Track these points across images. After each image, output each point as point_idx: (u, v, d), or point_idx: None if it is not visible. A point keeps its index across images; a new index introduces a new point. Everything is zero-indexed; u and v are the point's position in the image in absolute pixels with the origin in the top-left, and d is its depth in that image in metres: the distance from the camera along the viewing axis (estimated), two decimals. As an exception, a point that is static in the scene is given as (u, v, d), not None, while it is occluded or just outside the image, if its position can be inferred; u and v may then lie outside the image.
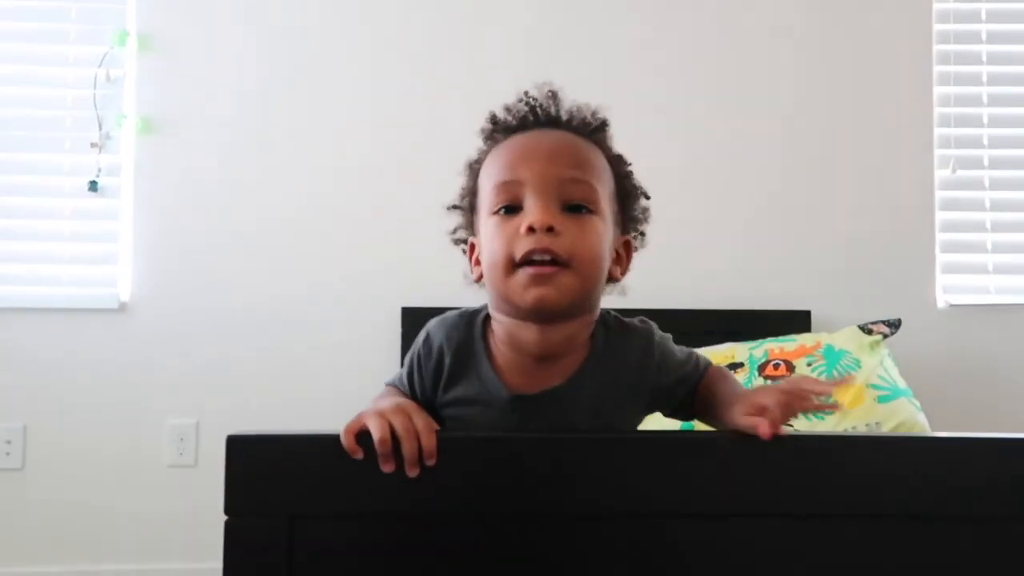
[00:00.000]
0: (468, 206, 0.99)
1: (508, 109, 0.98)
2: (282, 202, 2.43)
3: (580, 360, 0.93)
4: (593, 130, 0.97)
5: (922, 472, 0.77)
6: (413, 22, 2.47)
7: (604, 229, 0.91)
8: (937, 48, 2.48)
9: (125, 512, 2.34)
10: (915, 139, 2.47)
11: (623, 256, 0.98)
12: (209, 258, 2.41)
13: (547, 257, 0.85)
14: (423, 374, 0.95)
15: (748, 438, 0.77)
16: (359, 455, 0.75)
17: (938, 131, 2.47)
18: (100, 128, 2.40)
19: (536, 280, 0.85)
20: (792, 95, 2.47)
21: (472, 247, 0.99)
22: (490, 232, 0.90)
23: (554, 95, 0.97)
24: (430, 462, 0.75)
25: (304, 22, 2.47)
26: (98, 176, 2.40)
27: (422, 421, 0.77)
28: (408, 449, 0.74)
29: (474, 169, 0.99)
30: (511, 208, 0.89)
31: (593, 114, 0.98)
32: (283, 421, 2.27)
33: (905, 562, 0.77)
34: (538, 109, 0.96)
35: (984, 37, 2.50)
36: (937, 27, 2.48)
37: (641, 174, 1.01)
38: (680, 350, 0.98)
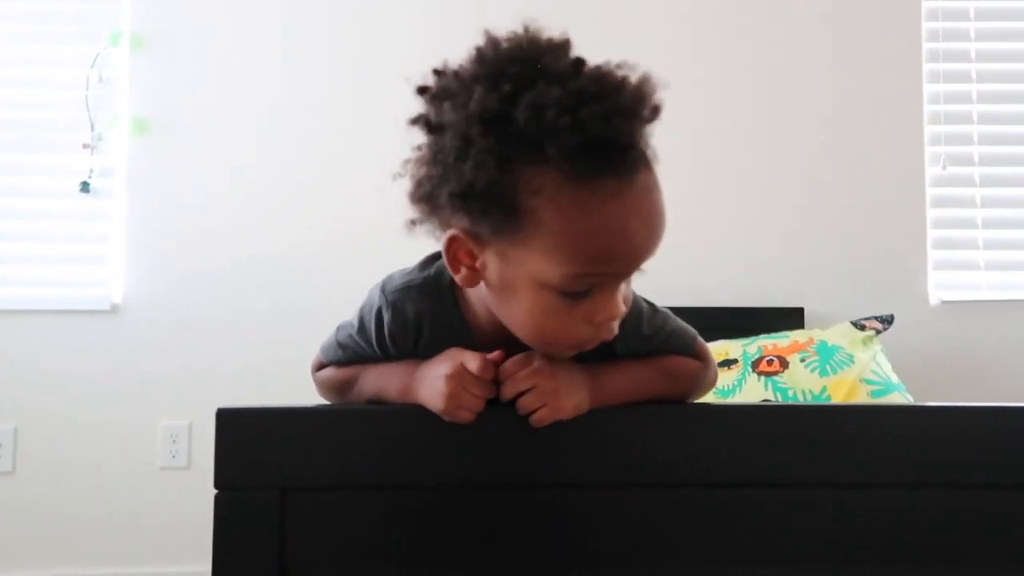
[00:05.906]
0: (495, 216, 0.73)
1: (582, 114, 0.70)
2: (276, 203, 2.43)
3: None
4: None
5: (909, 440, 0.77)
6: (410, 16, 2.46)
7: None
8: (927, 46, 2.50)
9: (117, 515, 2.32)
10: (906, 136, 2.48)
11: None
12: (201, 258, 2.41)
13: None
14: (398, 345, 0.87)
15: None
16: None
17: (928, 128, 2.48)
18: (92, 129, 2.40)
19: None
20: (782, 94, 2.48)
21: (454, 241, 0.79)
22: (543, 308, 0.76)
23: (633, 112, 0.73)
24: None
25: (298, 21, 2.48)
26: (90, 177, 2.39)
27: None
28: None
29: (521, 176, 0.72)
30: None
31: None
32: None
33: (890, 528, 0.77)
34: (627, 145, 0.72)
35: (973, 35, 2.51)
36: (926, 25, 2.50)
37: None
38: (663, 321, 0.90)
